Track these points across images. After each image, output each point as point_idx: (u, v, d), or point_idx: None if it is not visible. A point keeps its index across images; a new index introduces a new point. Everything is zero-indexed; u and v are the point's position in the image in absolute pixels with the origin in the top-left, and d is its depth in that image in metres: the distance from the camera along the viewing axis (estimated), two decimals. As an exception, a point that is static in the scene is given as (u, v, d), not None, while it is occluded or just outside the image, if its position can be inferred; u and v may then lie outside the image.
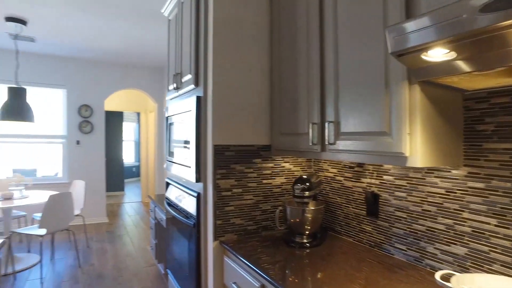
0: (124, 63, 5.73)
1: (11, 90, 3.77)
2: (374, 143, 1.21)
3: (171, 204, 2.41)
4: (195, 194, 1.90)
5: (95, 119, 5.64)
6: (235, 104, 1.81)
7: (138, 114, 10.22)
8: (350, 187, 1.79)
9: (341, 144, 1.37)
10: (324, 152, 1.48)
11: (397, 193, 1.52)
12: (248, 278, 1.47)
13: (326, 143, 1.44)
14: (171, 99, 2.49)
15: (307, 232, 1.67)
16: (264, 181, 1.91)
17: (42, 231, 3.28)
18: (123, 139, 9.17)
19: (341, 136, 1.38)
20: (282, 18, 1.80)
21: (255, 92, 1.87)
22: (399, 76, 1.12)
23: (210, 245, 1.78)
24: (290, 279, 1.28)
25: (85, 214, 5.53)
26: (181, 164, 2.15)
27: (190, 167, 1.95)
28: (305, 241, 1.67)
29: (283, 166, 1.97)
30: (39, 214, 3.98)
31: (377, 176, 1.62)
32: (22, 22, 3.75)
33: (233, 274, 1.63)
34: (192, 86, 1.94)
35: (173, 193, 2.40)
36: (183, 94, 2.19)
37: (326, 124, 1.43)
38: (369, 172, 1.67)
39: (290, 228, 1.70)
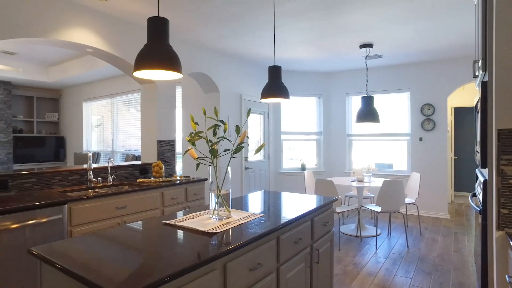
0: (462, 56, 5.52)
1: (363, 99, 4.92)
2: None
3: (475, 195, 2.36)
4: (483, 180, 1.85)
5: (438, 116, 5.86)
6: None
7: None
8: None
9: None
10: None
11: None
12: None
13: None
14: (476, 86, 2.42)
15: None
16: None
17: (378, 208, 4.08)
18: (479, 138, 8.46)
19: None
20: None
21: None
22: None
23: (493, 234, 1.70)
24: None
25: (422, 206, 5.89)
26: (476, 151, 2.11)
27: (479, 152, 1.92)
28: None
29: None
30: (381, 197, 4.86)
31: None
32: (370, 45, 4.82)
33: None
34: (481, 72, 1.90)
35: (477, 183, 2.34)
36: (479, 80, 2.12)
37: None
38: None
39: None
